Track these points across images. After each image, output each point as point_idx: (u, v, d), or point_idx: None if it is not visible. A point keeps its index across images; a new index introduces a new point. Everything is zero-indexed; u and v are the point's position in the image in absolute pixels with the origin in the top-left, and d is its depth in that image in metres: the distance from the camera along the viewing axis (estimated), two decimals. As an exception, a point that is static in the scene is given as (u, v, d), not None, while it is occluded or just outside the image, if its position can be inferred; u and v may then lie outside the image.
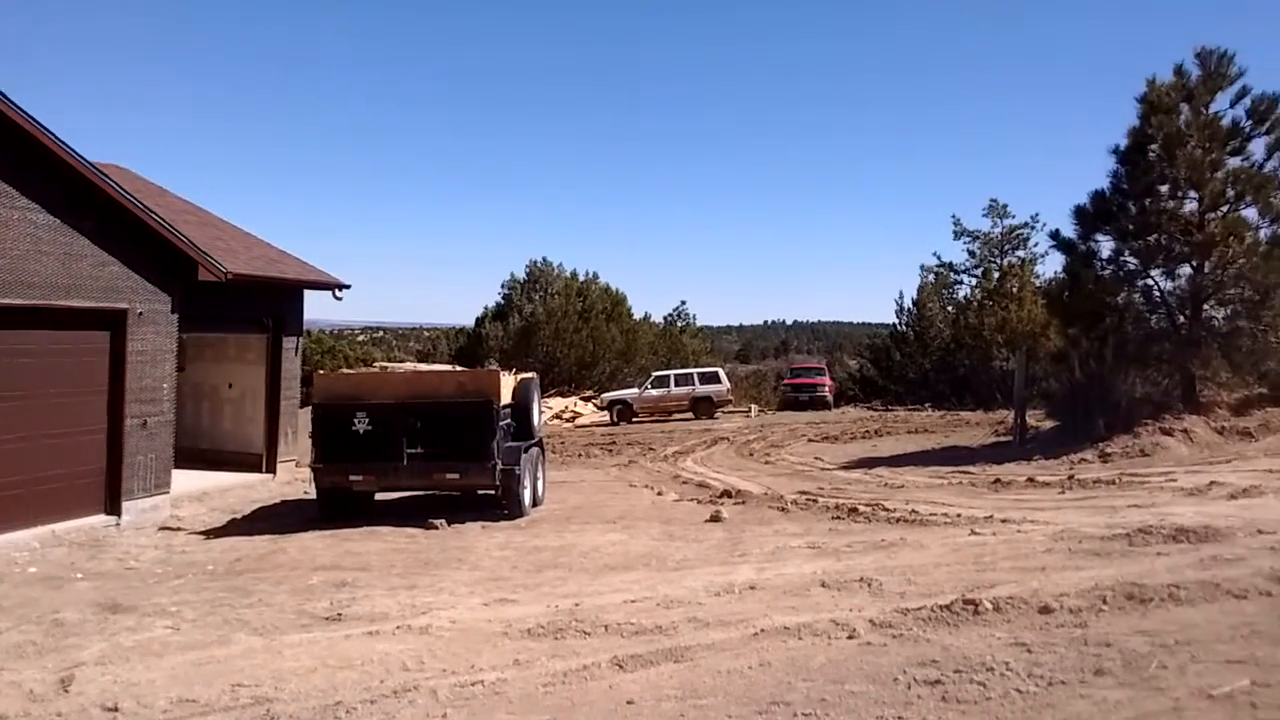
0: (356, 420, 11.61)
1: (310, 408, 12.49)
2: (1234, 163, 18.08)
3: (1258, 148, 18.14)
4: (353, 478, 11.82)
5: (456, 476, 11.82)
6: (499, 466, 11.61)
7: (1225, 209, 17.82)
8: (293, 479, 15.76)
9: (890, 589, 6.69)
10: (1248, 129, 18.16)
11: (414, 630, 6.34)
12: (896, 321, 42.08)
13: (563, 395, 36.67)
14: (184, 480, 13.81)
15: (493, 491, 12.03)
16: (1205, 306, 18.21)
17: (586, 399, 36.60)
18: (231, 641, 6.36)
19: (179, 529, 11.81)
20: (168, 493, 12.65)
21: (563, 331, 39.76)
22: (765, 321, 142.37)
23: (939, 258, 42.02)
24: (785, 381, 39.24)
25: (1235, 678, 3.95)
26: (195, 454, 16.07)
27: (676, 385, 32.31)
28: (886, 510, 10.83)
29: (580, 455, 21.01)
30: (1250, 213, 17.77)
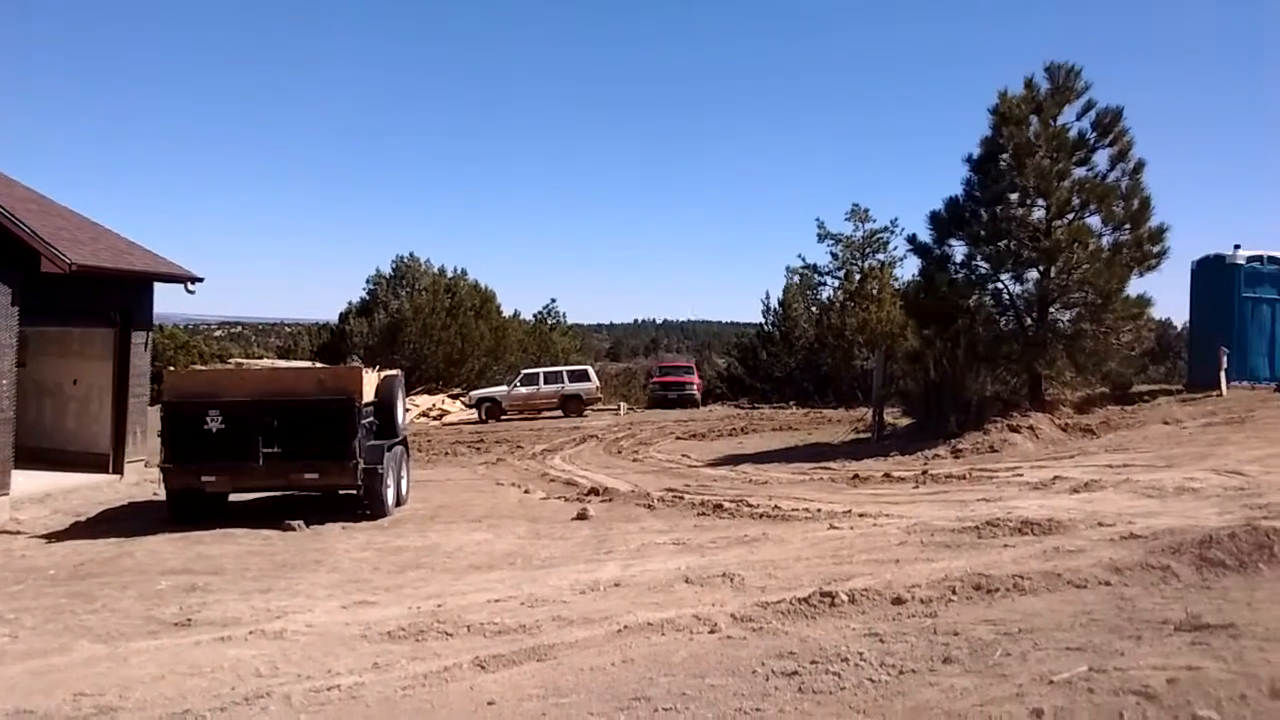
0: (209, 419, 11.19)
1: (160, 405, 11.98)
2: (1079, 173, 19.05)
3: (1101, 159, 19.19)
4: (205, 478, 11.39)
5: (316, 476, 11.52)
6: (360, 466, 11.36)
7: (1070, 217, 18.75)
8: (142, 480, 15.08)
9: (752, 583, 6.82)
10: (1092, 141, 19.16)
11: (268, 635, 6.15)
12: (763, 321, 42.93)
13: (430, 393, 36.17)
14: (24, 481, 13.07)
15: (354, 491, 11.75)
16: (1051, 309, 19.11)
17: (454, 397, 36.19)
18: (73, 649, 6.06)
19: (18, 532, 11.20)
20: (7, 494, 12.00)
21: (430, 328, 39.22)
22: (636, 320, 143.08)
23: (804, 260, 43.00)
24: (654, 380, 39.56)
25: (1074, 664, 4.15)
26: (37, 454, 15.20)
27: (546, 383, 32.22)
28: (750, 506, 11.02)
29: (447, 454, 20.75)
30: (1094, 220, 18.77)
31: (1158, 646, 4.26)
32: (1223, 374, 20.43)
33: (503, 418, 30.96)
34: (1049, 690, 3.79)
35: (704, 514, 10.88)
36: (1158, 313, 23.11)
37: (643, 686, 4.58)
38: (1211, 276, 22.21)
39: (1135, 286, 18.62)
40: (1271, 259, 22.07)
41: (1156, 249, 18.69)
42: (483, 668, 5.11)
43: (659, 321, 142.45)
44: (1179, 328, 30.88)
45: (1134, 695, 3.56)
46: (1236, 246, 21.88)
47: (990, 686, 4.00)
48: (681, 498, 12.27)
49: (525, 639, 5.65)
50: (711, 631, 5.49)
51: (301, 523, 10.94)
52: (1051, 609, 5.30)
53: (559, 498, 13.14)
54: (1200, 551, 5.99)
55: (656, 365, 46.75)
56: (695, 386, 36.83)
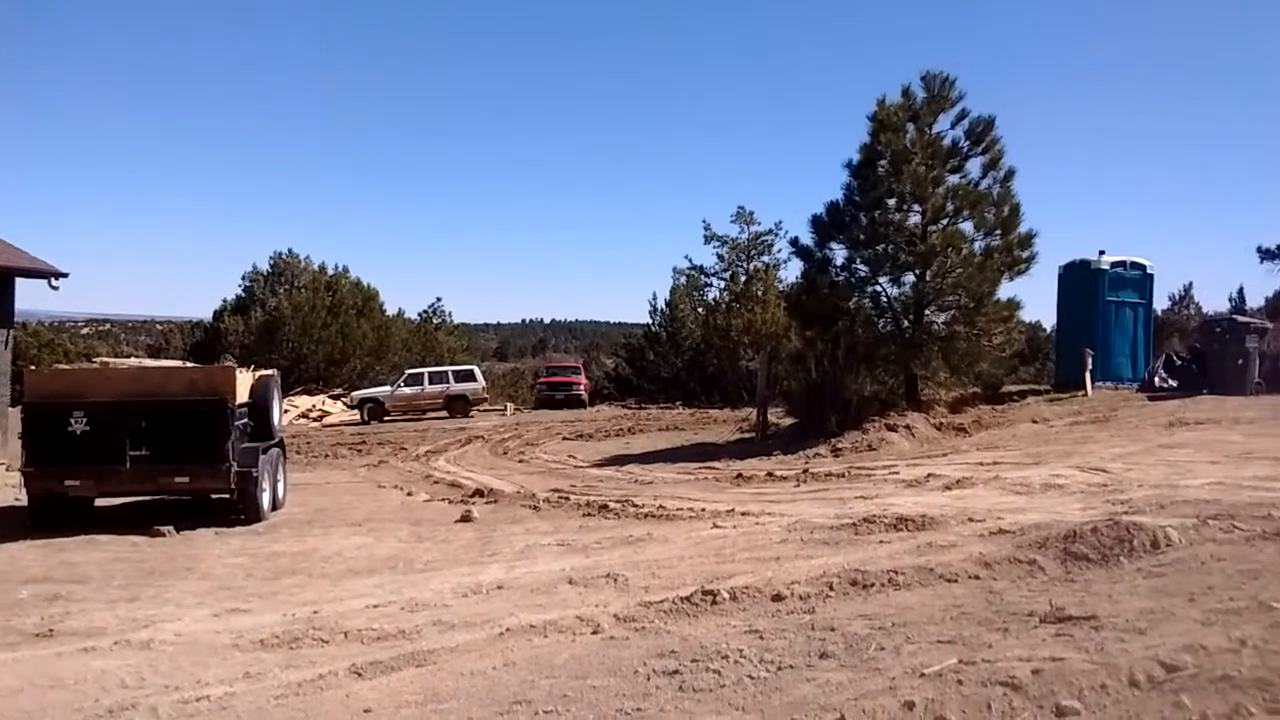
0: (73, 420, 10.71)
1: (21, 407, 11.42)
2: (953, 180, 19.69)
3: (974, 166, 19.89)
4: (69, 482, 10.89)
5: (187, 480, 11.13)
6: (234, 469, 11.01)
7: (945, 222, 19.36)
8: (2, 484, 14.35)
9: (635, 583, 6.83)
10: (965, 149, 19.82)
11: (134, 645, 5.89)
12: (651, 322, 43.14)
13: (310, 393, 35.36)
14: None
15: (228, 496, 11.39)
16: (927, 312, 19.70)
17: (336, 397, 35.45)
18: (-78, 665, 5.71)
19: None
20: None
21: (310, 327, 38.30)
22: (524, 320, 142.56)
23: (690, 261, 43.37)
24: (541, 380, 39.40)
25: (945, 656, 4.25)
26: (-115, 458, 14.37)
27: (431, 383, 31.80)
28: (636, 506, 11.05)
29: (327, 456, 20.29)
30: (967, 226, 19.41)
31: (1024, 638, 4.40)
32: (1088, 375, 21.36)
33: (386, 419, 30.43)
34: (920, 683, 3.87)
35: (589, 515, 10.87)
36: (1027, 315, 24.09)
37: (524, 689, 4.54)
38: (1077, 281, 23.19)
39: (1006, 290, 19.37)
40: (1134, 264, 23.16)
41: (1026, 254, 19.45)
42: (359, 675, 4.99)
43: (547, 321, 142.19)
44: (1048, 330, 32.13)
45: (1001, 686, 3.66)
46: (1101, 252, 22.89)
47: (864, 680, 4.08)
48: (567, 498, 12.24)
49: (404, 644, 5.54)
50: (594, 632, 5.47)
51: (171, 528, 10.54)
52: (924, 603, 5.43)
53: (443, 500, 12.97)
54: (1065, 546, 6.21)
55: (544, 365, 46.57)
56: (583, 387, 36.83)
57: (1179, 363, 22.11)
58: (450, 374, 32.77)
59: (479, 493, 13.18)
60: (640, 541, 8.76)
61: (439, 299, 55.61)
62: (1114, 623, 4.38)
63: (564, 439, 23.10)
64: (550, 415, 31.36)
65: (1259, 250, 48.36)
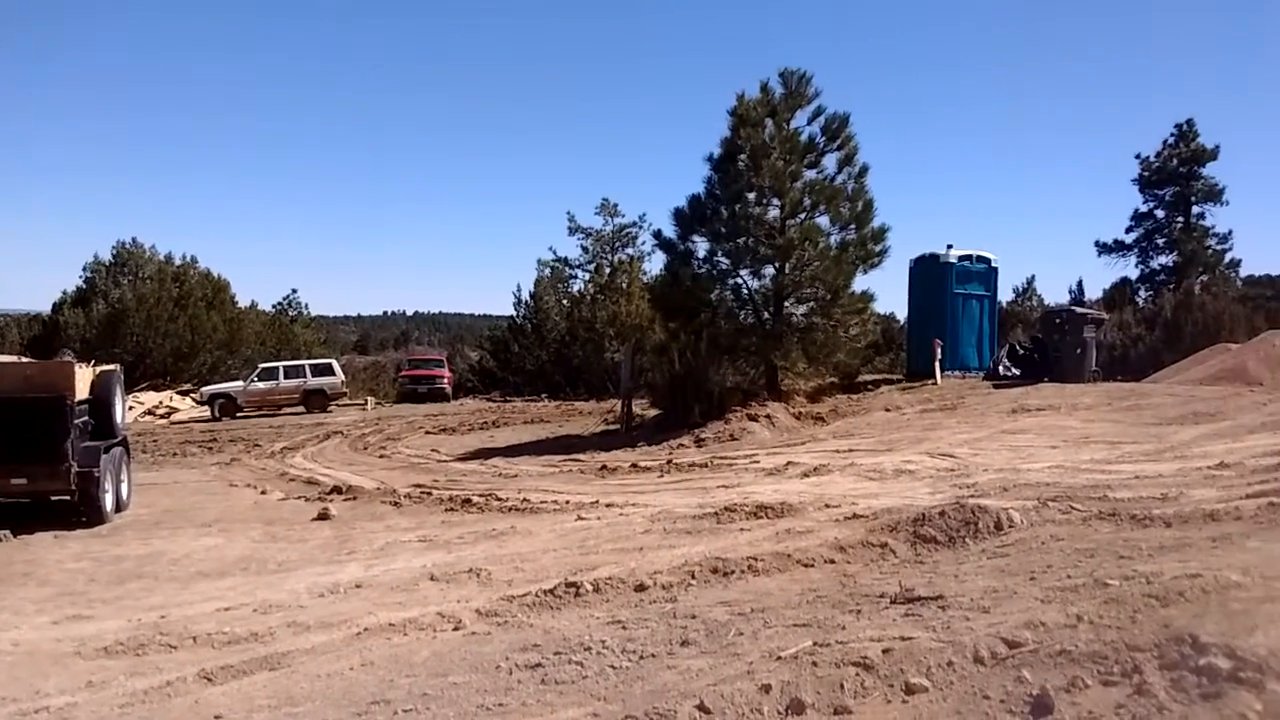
0: (-106, 420, 10.01)
1: None
2: (810, 175, 20.14)
3: (830, 162, 20.38)
4: None
5: (24, 482, 10.51)
6: (74, 469, 10.44)
7: (803, 216, 19.78)
8: None
9: (498, 578, 6.77)
10: (822, 145, 20.30)
11: (-35, 658, 5.55)
12: (515, 314, 42.81)
13: (157, 389, 33.81)
14: None
15: (68, 497, 10.80)
16: (786, 304, 20.12)
17: (185, 393, 34.01)
18: None
19: None
20: None
21: (156, 320, 36.57)
22: (385, 312, 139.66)
23: (555, 252, 43.26)
24: (403, 373, 38.65)
25: (801, 639, 4.34)
26: None
27: (286, 378, 30.82)
28: (499, 500, 10.96)
29: (175, 455, 19.44)
30: (823, 220, 19.89)
31: (876, 619, 4.53)
32: (938, 364, 22.20)
33: (239, 415, 29.33)
34: (777, 666, 3.95)
35: (452, 509, 10.73)
36: (881, 307, 24.88)
37: (382, 689, 4.45)
38: (927, 274, 24.06)
39: (860, 283, 19.97)
40: (980, 258, 24.16)
41: (879, 248, 20.06)
42: (209, 680, 4.81)
43: (410, 313, 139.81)
44: (900, 321, 33.25)
45: (853, 666, 3.76)
46: (949, 246, 23.80)
47: (724, 666, 4.14)
48: (429, 493, 12.05)
49: (257, 648, 5.37)
50: (456, 629, 5.41)
51: (8, 532, 9.94)
52: (782, 588, 5.55)
53: (299, 498, 12.59)
54: (915, 529, 6.44)
55: (406, 358, 45.70)
56: (446, 380, 36.29)
57: (1022, 352, 23.16)
58: (307, 368, 31.81)
59: (337, 490, 12.84)
60: (504, 535, 8.70)
61: (295, 290, 54.14)
62: (960, 602, 4.55)
63: (427, 433, 22.74)
64: (413, 409, 30.82)
65: (1097, 244, 51.12)
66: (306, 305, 48.66)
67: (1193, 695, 3.00)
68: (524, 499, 10.94)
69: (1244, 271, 47.45)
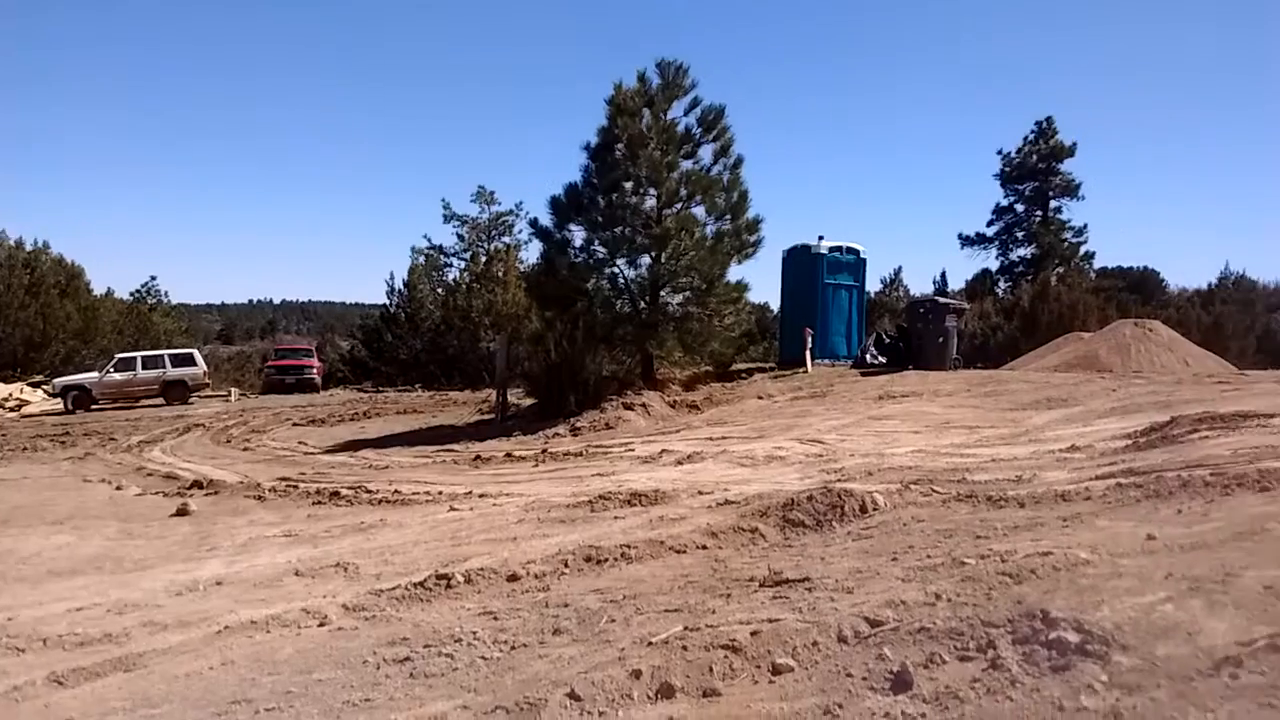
0: None
1: None
2: (687, 165, 20.35)
3: (706, 153, 20.64)
4: None
5: None
6: (-90, 466, 9.85)
7: (679, 206, 19.98)
8: None
9: (367, 571, 6.63)
10: (698, 136, 20.52)
11: None
12: (388, 302, 42.08)
13: (7, 381, 32.12)
14: None
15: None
16: (662, 293, 20.28)
17: (36, 385, 32.38)
18: None
19: None
20: None
21: (6, 309, 34.77)
22: (251, 300, 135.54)
23: (429, 240, 42.74)
24: (270, 363, 37.60)
25: (671, 624, 4.37)
26: None
27: (145, 368, 29.64)
28: (369, 492, 10.72)
29: (25, 449, 18.46)
30: (699, 210, 20.12)
31: (745, 603, 4.59)
32: (808, 353, 22.73)
33: (94, 407, 28.11)
34: (648, 651, 3.97)
35: (319, 503, 10.45)
36: (755, 297, 25.31)
37: (244, 689, 4.30)
38: (798, 264, 24.59)
39: (735, 273, 20.35)
40: (849, 249, 24.79)
41: (753, 238, 20.41)
42: (60, 683, 4.58)
43: (277, 302, 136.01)
44: (774, 311, 33.89)
45: (722, 649, 3.81)
46: (820, 237, 24.37)
47: (595, 653, 4.13)
48: (296, 487, 11.71)
49: (111, 649, 5.13)
50: (321, 624, 5.27)
51: None
52: (655, 575, 5.57)
53: (157, 493, 12.09)
54: (784, 513, 6.55)
55: (273, 348, 44.52)
56: (315, 370, 35.46)
57: (888, 341, 23.85)
58: (167, 358, 30.63)
59: (198, 484, 12.38)
60: (373, 528, 8.51)
61: (154, 278, 52.20)
62: (826, 583, 4.65)
63: (294, 425, 22.15)
64: (280, 400, 29.98)
65: (960, 237, 53.12)
66: (166, 293, 47.08)
67: (1043, 668, 3.12)
68: (395, 491, 10.73)
69: (1097, 263, 49.99)
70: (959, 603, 3.86)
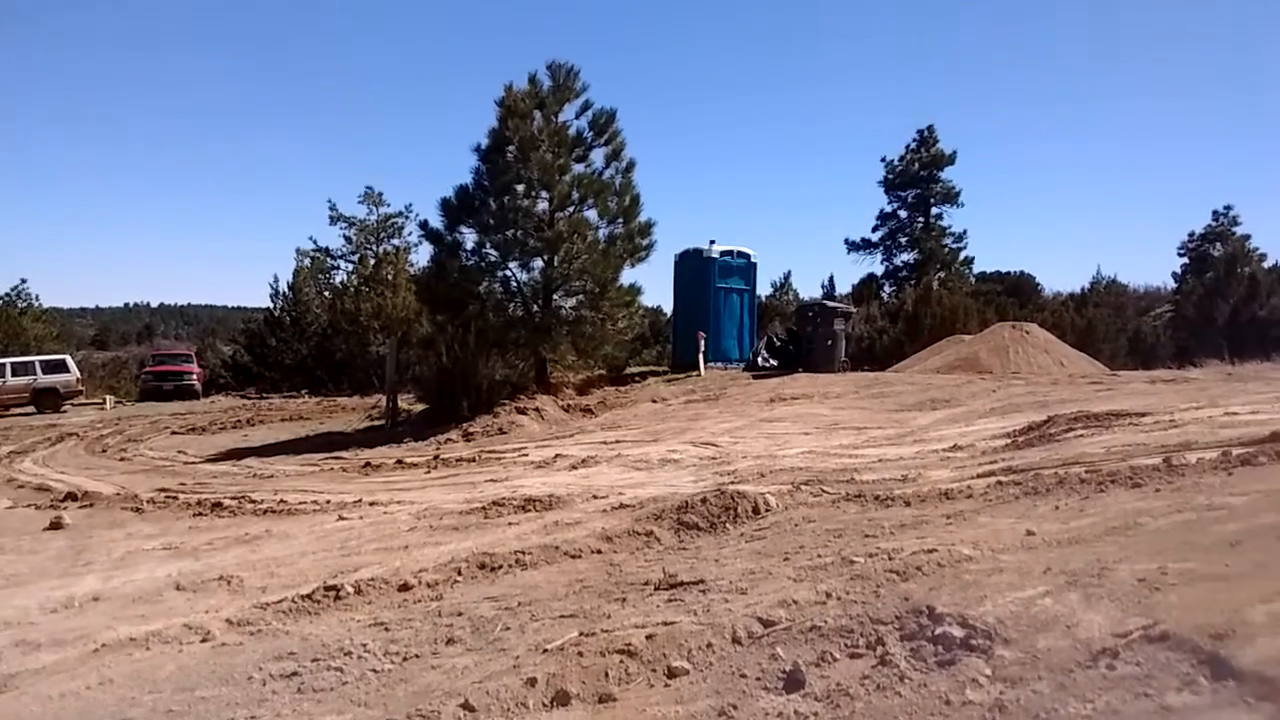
0: None
1: None
2: (579, 168, 20.34)
3: (598, 157, 20.66)
4: None
5: None
6: None
7: (571, 209, 19.95)
8: None
9: (251, 584, 6.44)
10: (590, 139, 20.52)
11: None
12: (272, 306, 41.04)
13: None
14: None
15: None
16: (555, 296, 20.22)
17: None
18: None
19: None
20: None
21: None
22: (127, 304, 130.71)
23: (315, 242, 41.77)
24: (148, 369, 36.27)
25: (567, 630, 4.35)
26: None
27: (14, 375, 28.33)
28: (254, 502, 10.42)
29: (-117, 462, 17.46)
30: (592, 214, 20.12)
31: (640, 607, 4.60)
32: (701, 356, 22.95)
33: (-41, 417, 26.75)
34: (543, 658, 3.95)
35: (201, 514, 10.10)
36: (648, 300, 25.44)
37: (123, 708, 4.14)
38: (691, 268, 24.82)
39: (628, 276, 20.35)
40: (740, 254, 25.12)
41: (646, 242, 20.50)
42: (-77, 710, 4.34)
43: (155, 305, 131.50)
44: (667, 314, 34.11)
45: (618, 654, 3.81)
46: (712, 242, 24.64)
47: (490, 662, 4.09)
48: (176, 498, 11.32)
49: (-21, 671, 4.88)
50: (204, 640, 5.10)
51: None
52: (550, 580, 5.54)
53: (29, 506, 11.54)
54: (678, 516, 6.59)
55: (151, 354, 42.89)
56: (196, 376, 34.36)
57: (779, 344, 24.25)
58: (37, 364, 29.31)
59: (72, 496, 11.86)
60: (258, 539, 8.28)
61: (24, 281, 49.83)
62: (720, 585, 4.69)
63: (174, 433, 21.41)
64: (158, 408, 28.93)
65: (847, 242, 54.28)
66: (37, 296, 44.77)
67: (930, 663, 3.20)
68: (280, 500, 10.45)
69: (976, 268, 51.65)
70: (849, 601, 3.94)
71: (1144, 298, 50.49)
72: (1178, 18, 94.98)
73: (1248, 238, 46.57)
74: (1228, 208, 49.86)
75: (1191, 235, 51.30)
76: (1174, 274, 51.35)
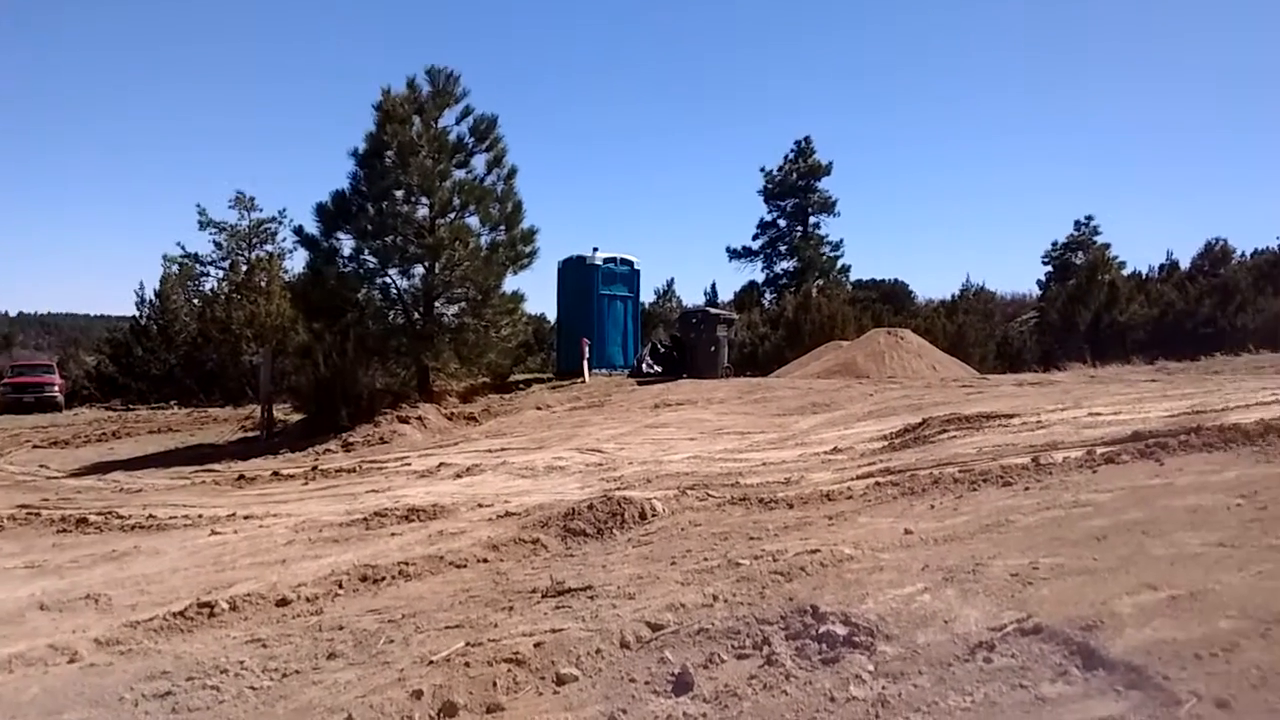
0: None
1: None
2: (460, 174, 20.16)
3: (479, 163, 20.52)
4: None
5: None
6: None
7: (452, 216, 19.77)
8: None
9: (121, 602, 6.17)
10: (471, 145, 20.38)
11: None
12: (139, 314, 39.50)
13: None
14: None
15: None
16: (437, 304, 19.98)
17: None
18: None
19: None
20: None
21: None
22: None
23: (184, 248, 40.46)
24: (6, 381, 34.50)
25: (453, 641, 4.29)
26: None
27: None
28: (121, 518, 9.99)
29: None
30: (473, 220, 19.97)
31: (528, 615, 4.58)
32: (586, 363, 22.96)
33: None
34: (429, 670, 3.89)
35: (65, 531, 9.63)
36: (532, 308, 25.39)
37: (-20, 737, 3.93)
38: (574, 275, 24.82)
39: (511, 283, 20.25)
40: (624, 261, 25.24)
41: (528, 249, 20.43)
42: None
43: (13, 315, 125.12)
44: (550, 321, 34.05)
45: (506, 663, 3.78)
46: (595, 249, 24.70)
47: (374, 676, 4.01)
48: (38, 514, 10.76)
49: None
50: (71, 661, 4.86)
51: None
52: (434, 591, 5.46)
53: (-128, 527, 10.85)
54: (565, 523, 6.58)
55: (9, 365, 40.77)
56: (58, 388, 32.85)
57: (663, 350, 24.43)
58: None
59: (-78, 515, 11.20)
60: (126, 556, 7.94)
61: None
62: (608, 591, 4.70)
63: (34, 447, 20.39)
64: (16, 421, 27.50)
65: (728, 250, 55.07)
66: (-122, 305, 42.23)
67: (815, 661, 3.27)
68: (150, 515, 10.05)
69: (853, 276, 53.03)
70: (735, 603, 3.99)
71: (1011, 304, 52.64)
72: (1043, 27, 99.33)
73: (1108, 247, 49.15)
74: (1089, 218, 52.57)
75: (1055, 245, 53.84)
76: (1039, 281, 53.83)
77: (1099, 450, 6.54)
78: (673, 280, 53.67)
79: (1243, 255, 44.06)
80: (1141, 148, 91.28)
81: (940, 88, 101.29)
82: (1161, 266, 47.03)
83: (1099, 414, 9.67)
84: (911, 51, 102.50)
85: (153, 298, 38.98)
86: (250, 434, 20.08)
